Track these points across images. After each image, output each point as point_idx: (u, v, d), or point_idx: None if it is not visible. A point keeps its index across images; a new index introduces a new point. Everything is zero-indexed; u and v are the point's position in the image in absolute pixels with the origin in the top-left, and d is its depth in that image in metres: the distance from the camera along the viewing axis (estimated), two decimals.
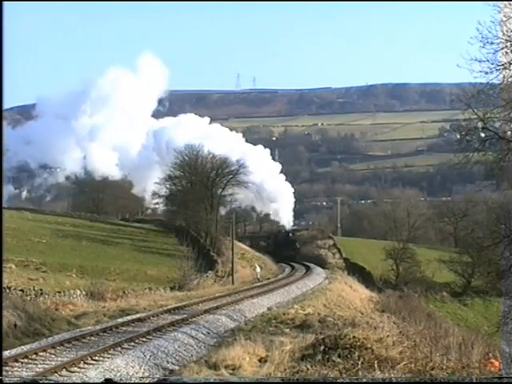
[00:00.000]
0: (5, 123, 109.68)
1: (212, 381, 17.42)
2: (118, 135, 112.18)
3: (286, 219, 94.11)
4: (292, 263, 76.77)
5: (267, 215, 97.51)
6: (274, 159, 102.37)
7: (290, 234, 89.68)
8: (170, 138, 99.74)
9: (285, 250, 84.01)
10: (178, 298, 39.12)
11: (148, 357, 20.77)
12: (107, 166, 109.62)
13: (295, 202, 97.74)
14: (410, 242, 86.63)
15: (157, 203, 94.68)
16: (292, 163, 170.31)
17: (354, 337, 20.22)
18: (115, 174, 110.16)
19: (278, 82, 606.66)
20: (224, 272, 59.72)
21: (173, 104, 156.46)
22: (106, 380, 15.51)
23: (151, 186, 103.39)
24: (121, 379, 18.21)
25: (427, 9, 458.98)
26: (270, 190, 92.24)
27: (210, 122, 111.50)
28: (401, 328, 29.74)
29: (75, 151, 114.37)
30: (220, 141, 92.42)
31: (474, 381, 16.35)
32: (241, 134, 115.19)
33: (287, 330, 27.40)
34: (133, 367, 19.56)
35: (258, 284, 52.17)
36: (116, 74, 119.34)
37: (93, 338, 23.18)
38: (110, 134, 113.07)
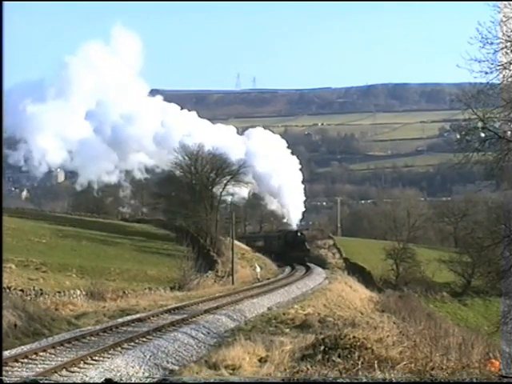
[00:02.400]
0: None
1: (212, 381, 17.43)
2: (68, 122, 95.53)
3: (294, 217, 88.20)
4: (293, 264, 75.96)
5: (272, 212, 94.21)
6: None
7: (299, 234, 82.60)
8: (108, 114, 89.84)
9: (292, 250, 78.09)
10: (178, 297, 39.14)
11: (148, 357, 20.77)
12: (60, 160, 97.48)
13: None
14: (410, 242, 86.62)
15: (157, 203, 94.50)
16: None
17: (353, 337, 20.22)
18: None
19: (278, 82, 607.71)
20: (224, 272, 59.73)
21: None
22: (106, 380, 15.52)
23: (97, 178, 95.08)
24: (121, 379, 18.21)
25: (427, 9, 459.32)
26: (279, 185, 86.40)
27: (150, 93, 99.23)
28: (401, 328, 29.70)
29: (34, 146, 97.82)
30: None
31: (474, 381, 16.36)
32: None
33: (287, 330, 27.40)
34: (133, 367, 19.56)
35: (258, 284, 52.17)
36: (87, 50, 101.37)
37: (93, 338, 23.19)
38: (59, 122, 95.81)
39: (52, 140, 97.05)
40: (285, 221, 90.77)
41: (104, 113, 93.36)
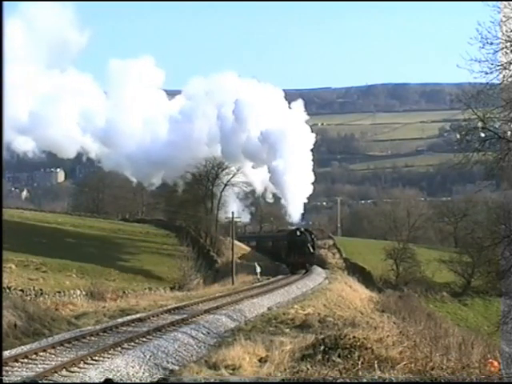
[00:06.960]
0: None
1: (212, 381, 17.44)
2: None
3: (295, 213, 68.27)
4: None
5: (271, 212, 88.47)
6: None
7: (298, 233, 63.59)
8: None
9: (290, 255, 62.57)
10: (178, 298, 39.18)
11: (148, 357, 20.77)
12: None
13: None
14: (410, 242, 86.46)
15: (157, 203, 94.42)
16: None
17: (353, 337, 20.24)
18: None
19: (278, 82, 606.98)
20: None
21: None
22: (106, 380, 15.51)
23: None
24: (121, 379, 18.22)
25: (427, 9, 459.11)
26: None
27: None
28: (401, 328, 29.72)
29: None
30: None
31: (474, 381, 16.36)
32: None
33: (287, 330, 27.40)
34: (133, 367, 19.56)
35: (258, 284, 52.13)
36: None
37: (93, 338, 23.19)
38: None
39: None
40: (286, 218, 76.11)
41: None
